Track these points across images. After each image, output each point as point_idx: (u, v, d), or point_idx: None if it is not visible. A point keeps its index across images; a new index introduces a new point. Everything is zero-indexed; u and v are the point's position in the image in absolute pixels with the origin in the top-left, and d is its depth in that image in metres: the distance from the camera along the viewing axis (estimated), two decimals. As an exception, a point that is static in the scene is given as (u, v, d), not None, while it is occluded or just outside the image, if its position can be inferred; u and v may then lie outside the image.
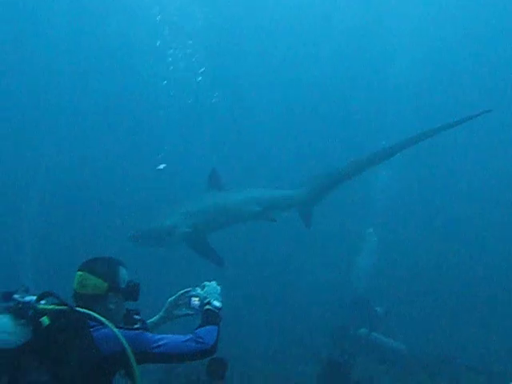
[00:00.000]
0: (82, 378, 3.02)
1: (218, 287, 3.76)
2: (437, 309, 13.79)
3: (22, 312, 3.07)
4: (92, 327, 3.13)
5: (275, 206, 11.23)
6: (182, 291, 3.82)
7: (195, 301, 3.72)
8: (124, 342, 3.09)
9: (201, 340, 3.30)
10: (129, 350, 3.08)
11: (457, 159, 23.85)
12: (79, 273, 3.35)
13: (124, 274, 3.48)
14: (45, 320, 3.07)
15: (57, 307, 3.16)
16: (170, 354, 3.24)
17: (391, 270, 16.18)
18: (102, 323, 3.14)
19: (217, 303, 3.62)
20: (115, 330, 3.13)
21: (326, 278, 16.11)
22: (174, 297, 3.82)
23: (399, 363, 9.73)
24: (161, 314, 3.83)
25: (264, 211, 10.99)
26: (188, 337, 3.31)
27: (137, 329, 3.32)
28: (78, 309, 3.18)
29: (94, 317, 3.15)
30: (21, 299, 3.12)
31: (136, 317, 3.54)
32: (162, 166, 15.35)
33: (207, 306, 3.60)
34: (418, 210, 21.46)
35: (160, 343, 3.22)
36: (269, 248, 18.01)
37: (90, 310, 3.19)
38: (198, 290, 3.76)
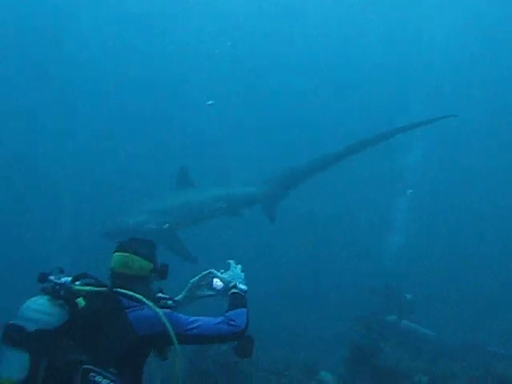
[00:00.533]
0: (119, 358, 3.07)
1: (242, 273, 3.77)
2: (467, 293, 13.67)
3: (58, 293, 3.11)
4: (129, 308, 3.18)
5: (240, 202, 11.70)
6: (204, 272, 3.82)
7: (217, 282, 3.72)
8: (167, 322, 3.13)
9: (233, 323, 3.33)
10: (171, 331, 3.13)
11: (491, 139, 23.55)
12: (124, 254, 3.38)
13: (157, 254, 3.55)
14: (80, 301, 3.12)
15: (95, 288, 3.21)
16: (203, 335, 3.27)
17: (421, 250, 16.10)
18: (143, 304, 3.19)
19: (242, 286, 3.64)
20: (158, 310, 3.18)
21: (353, 263, 16.10)
22: (196, 278, 3.81)
23: (427, 350, 9.68)
24: (183, 294, 3.84)
25: (230, 208, 11.36)
26: (220, 319, 3.34)
27: (169, 308, 3.38)
28: (119, 290, 3.23)
29: (136, 297, 3.20)
30: (56, 280, 3.17)
31: (160, 295, 3.58)
32: (210, 102, 17.16)
33: (233, 290, 3.61)
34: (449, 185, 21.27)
35: (194, 325, 3.25)
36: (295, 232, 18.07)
37: (128, 290, 3.24)
38: (221, 271, 3.78)
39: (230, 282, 3.68)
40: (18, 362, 2.96)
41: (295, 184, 11.50)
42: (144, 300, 3.20)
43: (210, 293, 3.79)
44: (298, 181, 11.45)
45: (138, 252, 3.41)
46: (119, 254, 3.40)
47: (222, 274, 3.76)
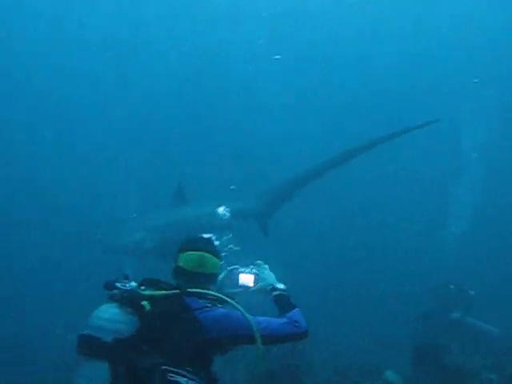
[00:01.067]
0: (192, 357, 3.11)
1: (272, 274, 3.81)
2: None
3: (126, 300, 3.13)
4: (200, 309, 3.20)
5: (235, 217, 11.52)
6: (229, 268, 3.87)
7: (243, 278, 3.79)
8: (253, 324, 3.18)
9: (297, 324, 3.36)
10: (257, 333, 3.17)
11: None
12: (197, 253, 3.43)
13: None
14: (147, 305, 3.11)
15: (167, 292, 3.24)
16: (273, 336, 3.30)
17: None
18: (225, 303, 3.26)
19: (280, 285, 3.70)
20: (243, 310, 3.22)
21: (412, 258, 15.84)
22: (222, 274, 3.83)
23: (493, 347, 9.41)
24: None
25: (224, 223, 11.28)
26: (285, 320, 3.37)
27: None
28: (194, 290, 3.26)
29: (220, 297, 3.27)
30: (123, 287, 3.19)
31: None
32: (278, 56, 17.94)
33: (275, 292, 3.66)
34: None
35: (263, 325, 3.27)
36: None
37: (204, 289, 3.29)
38: (251, 267, 3.84)
39: (265, 285, 3.73)
40: (97, 372, 3.00)
41: (287, 198, 11.51)
42: (231, 301, 3.25)
43: (238, 289, 3.82)
44: (290, 194, 11.47)
45: (209, 250, 3.48)
46: (191, 253, 3.44)
47: (251, 270, 3.83)
